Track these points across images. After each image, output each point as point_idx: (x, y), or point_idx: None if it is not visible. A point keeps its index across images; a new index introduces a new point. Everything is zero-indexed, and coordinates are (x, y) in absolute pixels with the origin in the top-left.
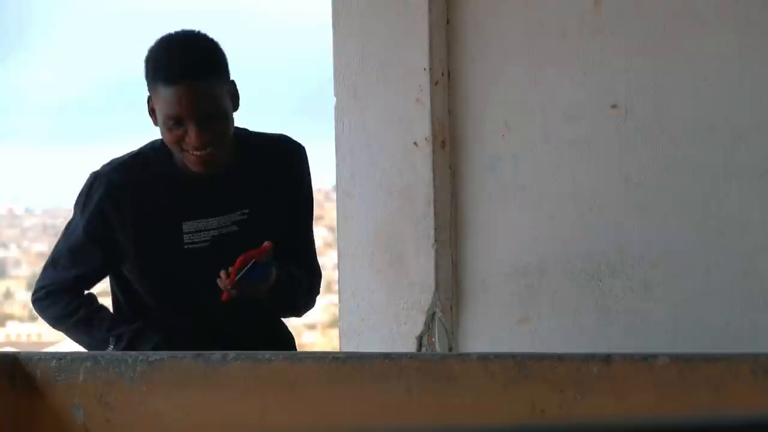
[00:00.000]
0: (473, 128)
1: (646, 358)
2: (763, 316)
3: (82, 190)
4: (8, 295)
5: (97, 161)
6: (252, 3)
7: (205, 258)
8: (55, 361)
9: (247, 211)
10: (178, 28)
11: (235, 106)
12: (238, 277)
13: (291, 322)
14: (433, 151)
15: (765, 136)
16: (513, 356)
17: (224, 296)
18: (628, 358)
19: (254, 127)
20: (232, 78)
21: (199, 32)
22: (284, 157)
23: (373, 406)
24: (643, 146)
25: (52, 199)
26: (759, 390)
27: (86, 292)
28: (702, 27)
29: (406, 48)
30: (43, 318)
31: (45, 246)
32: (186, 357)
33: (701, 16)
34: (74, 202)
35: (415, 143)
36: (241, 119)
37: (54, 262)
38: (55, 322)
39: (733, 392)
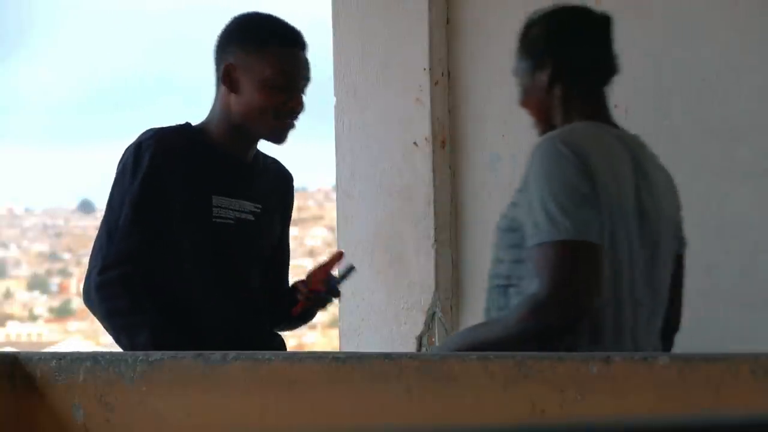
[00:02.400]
0: (473, 128)
1: (646, 358)
2: (763, 316)
3: (128, 158)
4: (8, 295)
5: (97, 161)
6: (252, 3)
7: (230, 235)
8: (55, 361)
9: (260, 206)
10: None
11: None
12: (337, 282)
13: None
14: (433, 151)
15: (765, 136)
16: (513, 356)
17: (297, 308)
18: (628, 358)
19: None
20: None
21: None
22: (286, 177)
23: (373, 406)
24: None
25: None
26: (759, 390)
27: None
28: (702, 27)
29: (406, 48)
30: (99, 308)
31: (45, 246)
32: (186, 357)
33: (701, 16)
34: (118, 174)
35: (415, 143)
36: None
37: (110, 236)
38: (112, 316)
39: (733, 392)
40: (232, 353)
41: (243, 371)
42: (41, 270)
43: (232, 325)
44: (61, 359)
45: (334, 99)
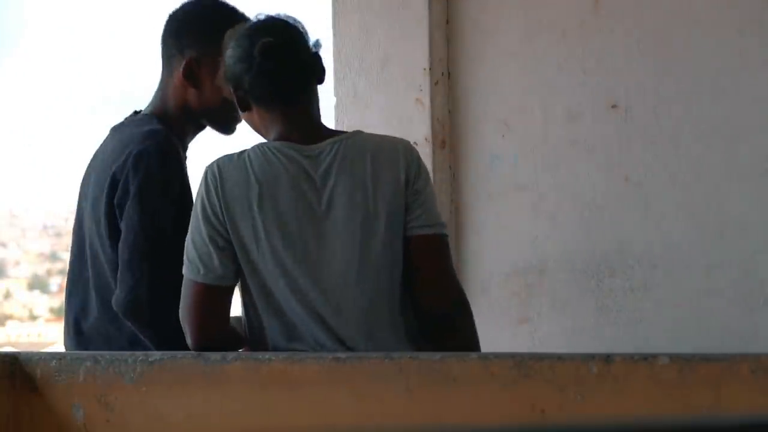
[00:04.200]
0: (473, 128)
1: (646, 358)
2: (763, 316)
3: (154, 169)
4: (8, 295)
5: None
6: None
7: None
8: (55, 361)
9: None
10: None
11: None
12: None
13: None
14: (433, 151)
15: (765, 136)
16: (513, 356)
17: None
18: (628, 358)
19: None
20: None
21: None
22: None
23: (373, 406)
24: (643, 146)
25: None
26: (759, 390)
27: None
28: (702, 27)
29: (406, 48)
30: (158, 320)
31: (45, 246)
32: (186, 357)
33: (701, 16)
34: (146, 184)
35: (415, 143)
36: None
37: (154, 246)
38: (167, 328)
39: (733, 392)
40: (231, 353)
41: (243, 371)
42: (41, 270)
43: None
44: (61, 359)
45: (334, 99)
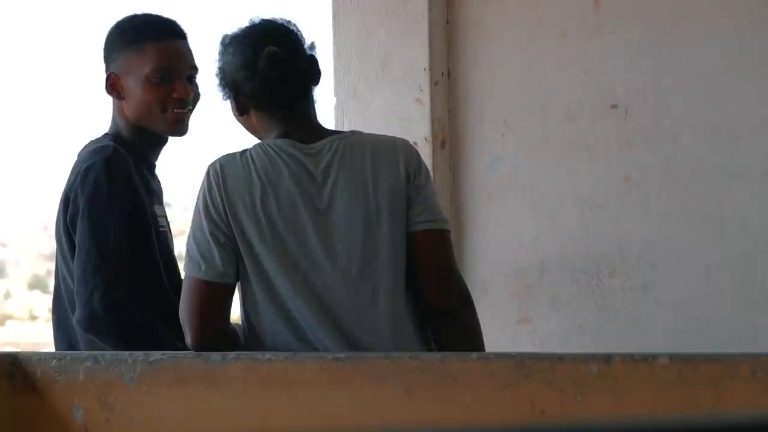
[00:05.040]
0: (473, 128)
1: (646, 358)
2: (763, 316)
3: (99, 178)
4: (8, 295)
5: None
6: (251, 3)
7: (169, 243)
8: (55, 361)
9: (164, 208)
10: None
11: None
12: None
13: None
14: (433, 151)
15: (765, 136)
16: (513, 356)
17: None
18: (628, 358)
19: None
20: None
21: None
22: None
23: (373, 406)
24: (643, 146)
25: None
26: (759, 390)
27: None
28: (702, 27)
29: (406, 48)
30: (114, 329)
31: (45, 246)
32: (186, 357)
33: (701, 16)
34: (92, 194)
35: (415, 143)
36: None
37: (102, 256)
38: (129, 335)
39: (733, 392)
40: (231, 353)
41: (243, 371)
42: (41, 270)
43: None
44: (61, 359)
45: (334, 99)
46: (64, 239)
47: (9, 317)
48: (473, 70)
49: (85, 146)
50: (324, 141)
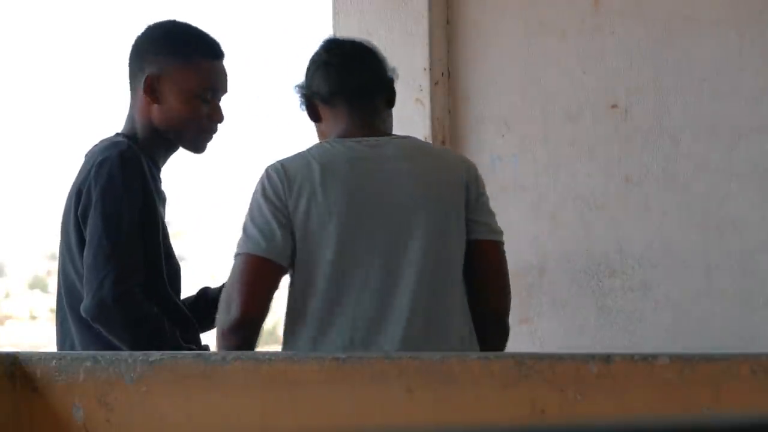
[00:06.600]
0: (473, 128)
1: (646, 358)
2: (763, 316)
3: (114, 172)
4: (8, 295)
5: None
6: (251, 3)
7: (171, 245)
8: (55, 361)
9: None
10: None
11: None
12: None
13: None
14: None
15: (765, 136)
16: (513, 356)
17: None
18: (628, 358)
19: None
20: None
21: None
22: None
23: (373, 406)
24: (643, 146)
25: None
26: (759, 390)
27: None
28: (702, 27)
29: (406, 48)
30: (123, 318)
31: (45, 246)
32: (186, 357)
33: (701, 16)
34: (108, 188)
35: None
36: None
37: (115, 247)
38: (139, 324)
39: (733, 392)
40: (231, 353)
41: (243, 371)
42: (41, 270)
43: (196, 332)
44: (61, 359)
45: None
46: (72, 234)
47: (9, 317)
48: (473, 70)
49: (96, 144)
50: (385, 137)
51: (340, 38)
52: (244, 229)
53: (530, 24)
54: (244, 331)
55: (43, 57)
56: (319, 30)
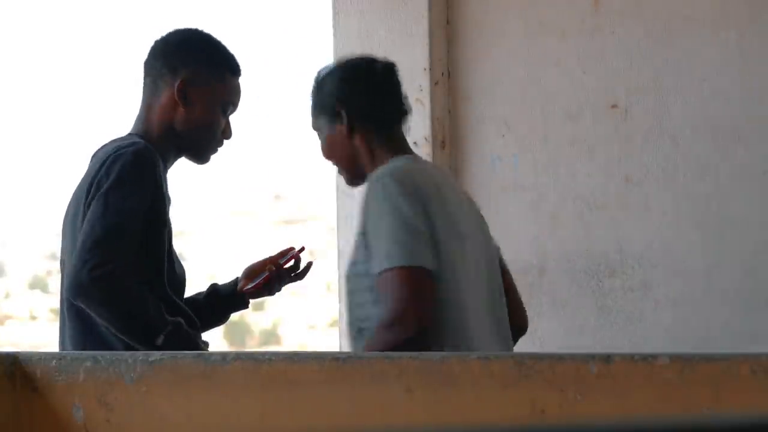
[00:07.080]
0: (473, 128)
1: (646, 358)
2: (763, 316)
3: (127, 165)
4: (8, 295)
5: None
6: (251, 3)
7: (173, 244)
8: (55, 361)
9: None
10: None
11: None
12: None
13: (292, 321)
14: (433, 151)
15: (765, 136)
16: (513, 356)
17: (260, 282)
18: (628, 358)
19: None
20: None
21: None
22: None
23: (373, 406)
24: (643, 146)
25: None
26: (759, 390)
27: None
28: (702, 27)
29: (406, 48)
30: (101, 294)
31: (45, 246)
32: (186, 357)
33: (701, 16)
34: (118, 179)
35: (415, 143)
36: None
37: (107, 235)
38: (117, 299)
39: (733, 392)
40: (231, 353)
41: (243, 371)
42: (41, 270)
43: (197, 330)
44: (61, 359)
45: None
46: (80, 228)
47: (9, 317)
48: (473, 70)
49: (107, 143)
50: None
51: (377, 58)
52: (397, 242)
53: (530, 24)
54: (423, 341)
55: (41, 59)
56: (319, 30)
